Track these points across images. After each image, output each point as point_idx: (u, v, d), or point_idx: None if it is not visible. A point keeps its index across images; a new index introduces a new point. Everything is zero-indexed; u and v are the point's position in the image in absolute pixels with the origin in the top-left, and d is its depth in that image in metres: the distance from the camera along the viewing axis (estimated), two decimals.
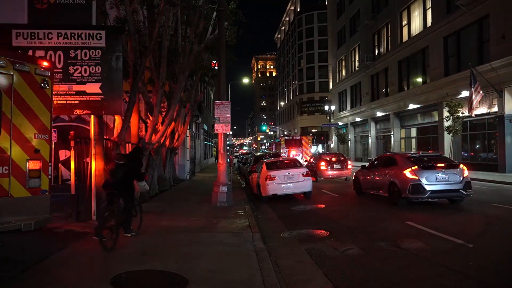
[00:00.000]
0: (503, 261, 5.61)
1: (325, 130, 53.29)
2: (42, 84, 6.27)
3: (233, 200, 11.44)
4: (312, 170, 17.47)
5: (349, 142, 43.39)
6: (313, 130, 67.31)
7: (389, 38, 33.55)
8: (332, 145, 48.94)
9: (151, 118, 12.68)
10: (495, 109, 20.71)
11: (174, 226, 8.20)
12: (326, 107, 51.15)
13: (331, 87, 52.38)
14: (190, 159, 23.57)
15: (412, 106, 29.04)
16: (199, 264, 5.41)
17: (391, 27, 32.89)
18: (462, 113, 21.34)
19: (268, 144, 75.34)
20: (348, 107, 44.53)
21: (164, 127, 12.88)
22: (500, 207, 10.08)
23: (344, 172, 18.87)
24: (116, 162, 6.83)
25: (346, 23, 44.93)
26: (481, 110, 21.53)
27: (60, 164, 10.56)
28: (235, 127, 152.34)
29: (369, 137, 38.08)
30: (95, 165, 8.35)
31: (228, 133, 12.53)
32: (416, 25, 29.19)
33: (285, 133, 70.88)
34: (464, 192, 9.96)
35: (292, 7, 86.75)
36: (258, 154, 26.42)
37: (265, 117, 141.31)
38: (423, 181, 9.87)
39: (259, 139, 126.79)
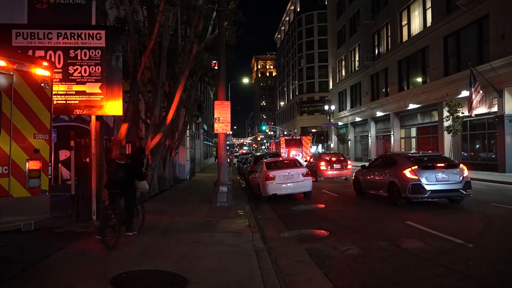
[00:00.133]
0: (503, 261, 5.60)
1: (325, 130, 53.31)
2: (42, 84, 6.26)
3: (233, 200, 11.44)
4: (312, 170, 17.48)
5: (349, 142, 43.40)
6: (313, 130, 67.29)
7: (389, 38, 33.55)
8: (332, 145, 48.94)
9: (151, 118, 12.69)
10: (495, 109, 20.71)
11: (174, 226, 8.21)
12: (326, 107, 51.16)
13: (331, 87, 52.38)
14: (190, 159, 23.58)
15: (412, 106, 29.03)
16: (199, 264, 5.41)
17: (391, 27, 32.89)
18: (462, 113, 21.34)
19: (268, 144, 75.31)
20: (348, 107, 44.53)
21: (164, 127, 12.87)
22: (500, 207, 10.08)
23: (344, 172, 18.87)
24: (117, 162, 6.90)
25: (346, 23, 44.92)
26: (481, 110, 21.52)
27: (60, 164, 10.53)
28: (235, 127, 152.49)
29: (369, 137, 38.08)
30: (95, 165, 8.35)
31: (228, 133, 12.54)
32: (416, 25, 29.19)
33: (285, 133, 70.88)
34: (464, 192, 9.96)
35: (292, 7, 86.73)
36: (258, 154, 26.41)
37: (265, 117, 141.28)
38: (423, 181, 9.86)
39: (259, 139, 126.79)
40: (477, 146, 23.43)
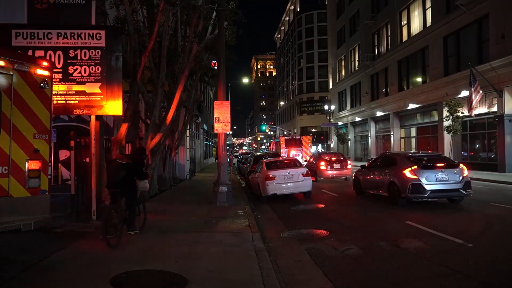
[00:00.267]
0: (503, 261, 5.60)
1: (325, 130, 53.35)
2: (41, 84, 6.26)
3: (233, 200, 11.44)
4: (312, 170, 17.47)
5: (349, 142, 43.41)
6: (313, 130, 67.32)
7: (389, 37, 33.55)
8: (332, 145, 48.95)
9: (151, 118, 12.68)
10: (494, 108, 20.71)
11: (174, 226, 8.21)
12: (326, 107, 51.19)
13: (330, 87, 52.37)
14: (190, 159, 23.58)
15: (411, 106, 29.04)
16: (199, 264, 5.41)
17: (391, 27, 32.89)
18: (462, 112, 21.35)
19: (268, 144, 75.32)
20: (348, 107, 44.54)
21: (163, 126, 12.87)
22: (500, 206, 10.08)
23: (343, 172, 18.88)
24: (119, 162, 6.97)
25: (345, 23, 44.92)
26: (481, 109, 21.53)
27: (60, 164, 10.54)
28: (235, 127, 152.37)
29: (369, 137, 38.09)
30: (94, 165, 8.35)
31: (228, 133, 12.53)
32: (416, 25, 29.19)
33: (285, 132, 70.91)
34: (464, 192, 9.96)
35: (292, 7, 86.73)
36: (258, 154, 26.41)
37: (265, 117, 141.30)
38: (423, 180, 9.87)
39: (258, 139, 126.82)
40: (477, 146, 23.44)
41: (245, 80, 55.72)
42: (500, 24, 19.86)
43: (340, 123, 46.14)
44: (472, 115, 20.29)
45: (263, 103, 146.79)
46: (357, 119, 41.55)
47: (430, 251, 6.14)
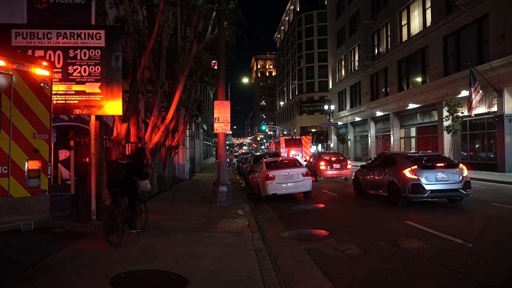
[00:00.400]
0: (503, 261, 5.61)
1: (324, 129, 53.35)
2: (41, 84, 6.25)
3: (233, 200, 11.44)
4: (312, 169, 17.47)
5: (349, 141, 43.40)
6: (313, 130, 67.31)
7: (389, 37, 33.55)
8: (331, 145, 48.95)
9: (150, 118, 12.68)
10: (494, 108, 20.72)
11: (173, 225, 8.21)
12: (326, 107, 51.18)
13: (330, 86, 52.37)
14: (189, 158, 23.57)
15: (411, 106, 29.04)
16: (199, 264, 5.41)
17: (391, 27, 32.89)
18: (462, 112, 21.35)
19: (268, 143, 75.34)
20: (348, 107, 44.54)
21: (163, 126, 12.87)
22: (499, 206, 10.09)
23: (343, 172, 18.88)
24: (119, 162, 7.01)
25: (345, 23, 44.92)
26: (481, 109, 21.53)
27: (59, 164, 10.53)
28: (234, 127, 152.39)
29: (369, 137, 38.09)
30: (94, 165, 8.35)
31: (227, 133, 12.53)
32: (416, 25, 29.19)
33: (285, 132, 70.90)
34: (464, 192, 9.96)
35: (292, 7, 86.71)
36: (258, 153, 26.41)
37: (264, 116, 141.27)
38: (423, 180, 9.87)
39: (258, 138, 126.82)
40: (477, 146, 23.44)
41: (245, 80, 55.78)
42: (500, 24, 19.86)
43: (340, 123, 46.13)
44: (472, 115, 20.30)
45: (263, 103, 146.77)
46: (357, 119, 41.55)
47: (430, 251, 6.14)
